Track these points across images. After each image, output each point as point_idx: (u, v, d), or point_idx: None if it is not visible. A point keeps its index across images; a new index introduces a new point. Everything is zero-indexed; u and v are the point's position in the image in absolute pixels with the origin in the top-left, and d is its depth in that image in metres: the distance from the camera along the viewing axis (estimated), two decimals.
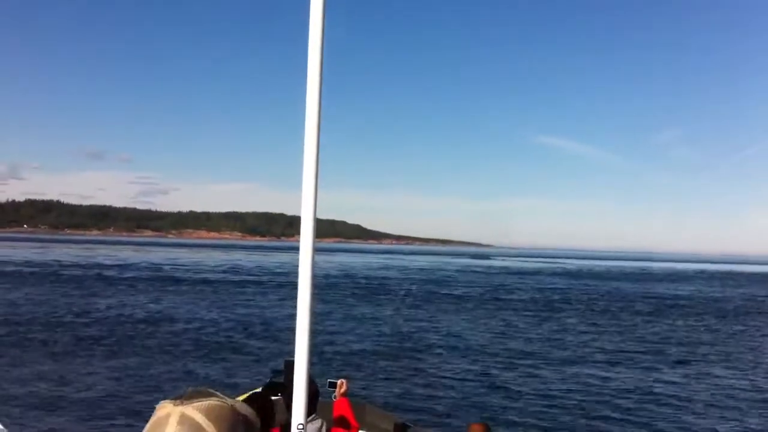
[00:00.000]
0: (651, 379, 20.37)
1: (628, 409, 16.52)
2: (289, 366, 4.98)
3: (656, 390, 18.83)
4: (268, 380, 5.02)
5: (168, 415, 1.62)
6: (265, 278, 60.65)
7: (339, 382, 4.89)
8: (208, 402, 1.65)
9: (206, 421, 1.61)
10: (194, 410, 1.62)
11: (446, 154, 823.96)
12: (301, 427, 2.03)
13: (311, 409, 3.87)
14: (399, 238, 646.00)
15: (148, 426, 1.64)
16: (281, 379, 4.65)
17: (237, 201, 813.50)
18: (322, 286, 54.45)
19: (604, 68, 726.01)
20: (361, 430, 4.78)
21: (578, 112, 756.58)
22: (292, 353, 4.33)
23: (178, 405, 1.63)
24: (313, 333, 2.27)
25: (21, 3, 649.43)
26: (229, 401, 1.71)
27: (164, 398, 1.70)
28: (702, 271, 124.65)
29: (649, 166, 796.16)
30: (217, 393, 1.72)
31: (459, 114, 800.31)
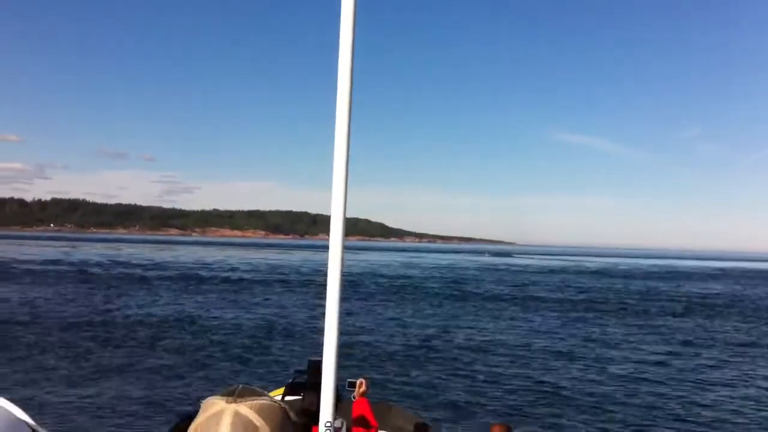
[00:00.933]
0: (693, 379, 19.99)
1: (666, 411, 16.10)
2: (313, 366, 4.97)
3: (697, 391, 18.51)
4: (290, 380, 5.02)
5: (221, 412, 1.62)
6: (288, 277, 60.76)
7: (358, 381, 4.82)
8: (261, 401, 1.67)
9: (260, 420, 1.62)
10: (248, 409, 1.63)
11: (468, 153, 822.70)
12: (329, 425, 2.08)
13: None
14: (421, 236, 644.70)
15: (199, 421, 1.65)
16: (304, 380, 4.64)
17: (260, 199, 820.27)
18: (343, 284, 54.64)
19: (625, 65, 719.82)
20: (381, 429, 4.75)
21: (599, 109, 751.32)
22: (314, 353, 4.34)
23: (231, 402, 1.64)
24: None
25: (46, 6, 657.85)
26: (279, 401, 1.72)
27: (210, 395, 1.70)
28: (730, 269, 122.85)
29: (672, 162, 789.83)
30: (265, 392, 1.73)
31: (481, 112, 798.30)
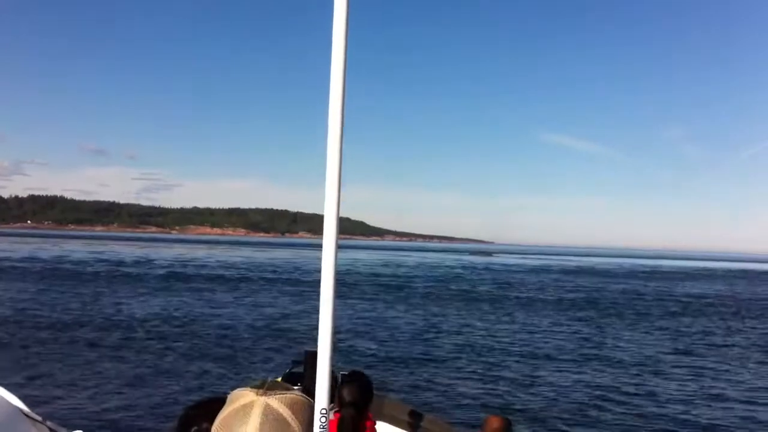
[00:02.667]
0: (687, 377, 20.14)
1: (650, 407, 16.23)
2: (310, 356, 5.06)
3: (690, 389, 18.61)
4: (287, 370, 5.11)
5: (251, 404, 1.63)
6: (270, 275, 60.69)
7: (346, 373, 5.01)
8: (290, 395, 1.68)
9: (290, 414, 1.63)
10: (278, 402, 1.64)
11: (450, 152, 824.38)
12: (324, 411, 2.08)
13: (330, 398, 4.01)
14: (401, 235, 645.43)
15: (228, 412, 1.66)
16: (301, 370, 4.73)
17: (241, 197, 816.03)
18: (317, 283, 54.74)
19: (608, 66, 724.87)
20: (376, 420, 4.87)
21: (583, 110, 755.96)
22: (306, 345, 4.43)
23: (261, 395, 1.65)
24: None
25: (24, 1, 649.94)
26: (306, 396, 1.74)
27: (238, 388, 1.71)
28: (713, 269, 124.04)
29: (655, 163, 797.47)
30: (292, 387, 1.76)
31: (463, 112, 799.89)
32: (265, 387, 1.68)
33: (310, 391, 2.12)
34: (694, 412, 16.10)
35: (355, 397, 4.37)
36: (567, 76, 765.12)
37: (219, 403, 2.32)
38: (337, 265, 2.36)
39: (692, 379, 20.08)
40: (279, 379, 5.41)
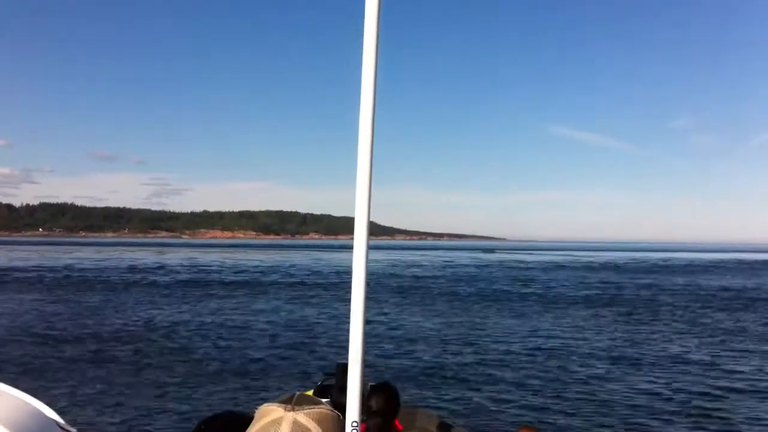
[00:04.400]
0: (724, 378, 19.36)
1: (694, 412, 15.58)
2: (341, 368, 5.02)
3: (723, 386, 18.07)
4: (318, 383, 5.09)
5: (280, 420, 1.62)
6: (285, 279, 60.53)
7: (373, 384, 4.95)
8: (319, 409, 1.68)
9: (318, 429, 1.63)
10: (307, 417, 1.63)
11: (458, 149, 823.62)
12: (355, 424, 2.07)
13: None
14: (411, 234, 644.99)
15: (257, 428, 1.64)
16: (332, 382, 4.70)
17: (250, 200, 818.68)
18: (332, 285, 54.34)
19: (615, 58, 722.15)
20: (406, 430, 4.84)
21: (590, 102, 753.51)
22: (340, 357, 4.39)
23: (289, 411, 1.64)
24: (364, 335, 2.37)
25: (33, 8, 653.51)
26: (334, 410, 1.73)
27: (266, 402, 1.70)
28: (727, 261, 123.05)
29: (664, 153, 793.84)
30: (321, 400, 1.76)
31: (471, 107, 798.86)
32: (293, 402, 1.68)
33: (339, 403, 2.12)
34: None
35: (383, 407, 4.34)
36: (574, 68, 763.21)
37: (232, 418, 2.32)
38: (367, 277, 2.36)
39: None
40: (311, 392, 5.43)
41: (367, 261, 2.13)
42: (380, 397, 4.39)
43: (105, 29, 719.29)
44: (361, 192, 2.13)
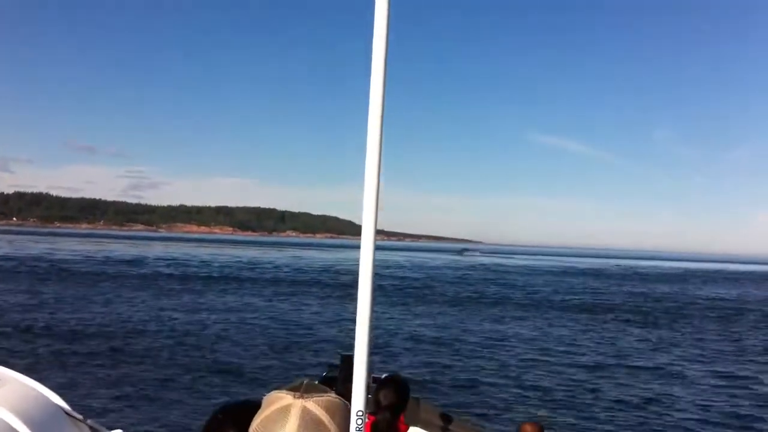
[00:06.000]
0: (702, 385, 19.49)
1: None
2: (345, 360, 5.05)
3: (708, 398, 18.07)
4: (323, 375, 5.12)
5: (289, 407, 1.63)
6: (263, 275, 60.46)
7: (383, 377, 4.97)
8: (327, 397, 1.68)
9: (327, 417, 1.63)
10: (315, 405, 1.64)
11: (440, 152, 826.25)
12: (360, 413, 2.09)
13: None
14: (390, 234, 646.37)
15: (266, 414, 1.65)
16: (336, 374, 4.72)
17: (228, 195, 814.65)
18: (311, 282, 54.41)
19: (599, 67, 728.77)
20: (410, 424, 4.85)
21: (573, 111, 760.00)
22: (343, 349, 4.41)
23: (298, 398, 1.64)
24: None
25: (13, 1, 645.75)
26: (342, 398, 1.74)
27: (278, 389, 1.70)
28: (700, 271, 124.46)
29: (646, 164, 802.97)
30: (328, 389, 1.75)
31: (454, 111, 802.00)
32: (302, 389, 1.68)
33: (343, 394, 2.13)
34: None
35: (392, 401, 4.34)
36: (557, 77, 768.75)
37: (247, 406, 2.34)
38: (374, 269, 2.41)
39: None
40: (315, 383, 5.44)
41: (374, 255, 2.17)
42: (389, 391, 4.39)
43: (85, 19, 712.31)
44: (369, 191, 2.14)
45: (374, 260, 2.26)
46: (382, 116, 2.21)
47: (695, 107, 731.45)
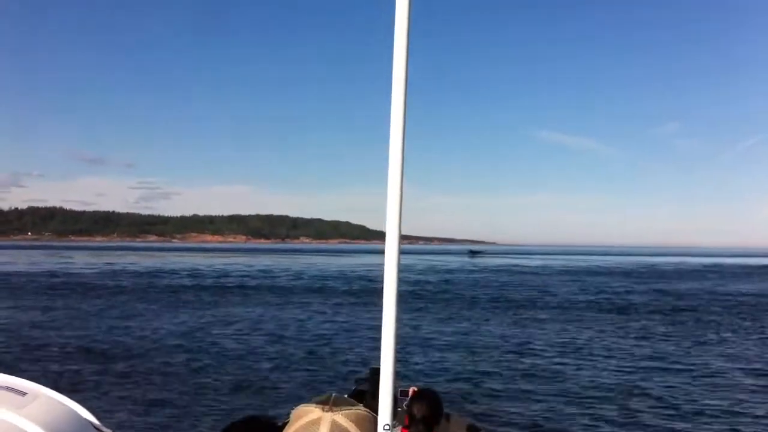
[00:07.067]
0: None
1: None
2: (375, 373, 5.10)
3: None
4: (353, 389, 5.19)
5: (318, 420, 1.63)
6: (281, 283, 60.23)
7: (410, 390, 4.90)
8: (356, 410, 1.69)
9: (356, 429, 1.63)
10: (345, 418, 1.64)
11: (448, 152, 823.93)
12: (387, 427, 2.09)
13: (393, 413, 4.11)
14: (402, 238, 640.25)
15: (296, 428, 1.65)
16: (365, 388, 4.77)
17: (240, 204, 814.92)
18: (330, 290, 54.21)
19: (603, 62, 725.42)
20: None
21: (577, 106, 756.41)
22: (372, 362, 4.42)
23: (327, 411, 1.65)
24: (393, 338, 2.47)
25: (23, 10, 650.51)
26: (370, 411, 1.76)
27: (302, 402, 1.72)
28: (714, 266, 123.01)
29: (650, 158, 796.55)
30: (355, 402, 1.79)
31: (459, 111, 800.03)
32: (330, 402, 1.67)
33: (373, 408, 2.19)
34: None
35: (425, 414, 4.33)
36: (561, 73, 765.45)
37: (258, 422, 2.40)
38: (399, 281, 2.50)
39: None
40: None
41: (399, 265, 2.12)
42: (423, 404, 4.38)
43: (93, 31, 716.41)
44: (392, 198, 2.11)
45: (398, 275, 2.30)
46: (404, 120, 2.26)
47: (700, 101, 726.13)
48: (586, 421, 14.66)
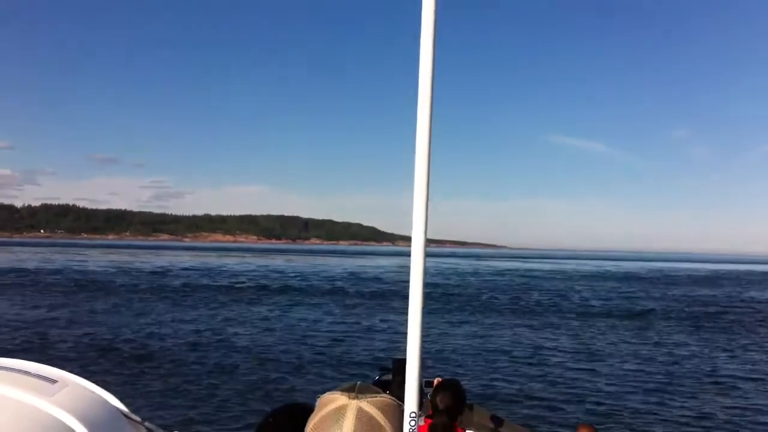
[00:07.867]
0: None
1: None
2: (397, 363, 5.14)
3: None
4: (376, 377, 5.20)
5: (344, 407, 1.65)
6: (298, 283, 60.20)
7: (435, 380, 4.92)
8: (381, 398, 1.70)
9: (383, 417, 1.65)
10: (370, 405, 1.66)
11: (460, 155, 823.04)
12: (413, 415, 2.09)
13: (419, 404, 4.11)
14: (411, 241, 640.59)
15: (322, 415, 1.67)
16: (389, 378, 4.79)
17: (251, 204, 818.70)
18: (346, 291, 54.24)
19: (616, 67, 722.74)
20: (464, 428, 4.86)
21: (590, 112, 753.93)
22: (396, 353, 4.45)
23: (353, 399, 1.66)
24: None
25: (35, 13, 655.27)
26: (396, 399, 1.78)
27: (327, 391, 1.74)
28: (727, 272, 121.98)
29: (663, 164, 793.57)
30: (381, 390, 1.80)
31: (471, 115, 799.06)
32: (356, 390, 1.69)
33: (398, 396, 2.20)
34: None
35: (449, 405, 4.36)
36: (574, 77, 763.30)
37: (299, 409, 2.42)
38: (425, 273, 2.51)
39: None
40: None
41: (425, 261, 2.12)
42: (447, 395, 4.42)
43: (105, 31, 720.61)
44: (418, 198, 2.11)
45: (425, 267, 2.32)
46: (431, 123, 2.24)
47: (713, 107, 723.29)
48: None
